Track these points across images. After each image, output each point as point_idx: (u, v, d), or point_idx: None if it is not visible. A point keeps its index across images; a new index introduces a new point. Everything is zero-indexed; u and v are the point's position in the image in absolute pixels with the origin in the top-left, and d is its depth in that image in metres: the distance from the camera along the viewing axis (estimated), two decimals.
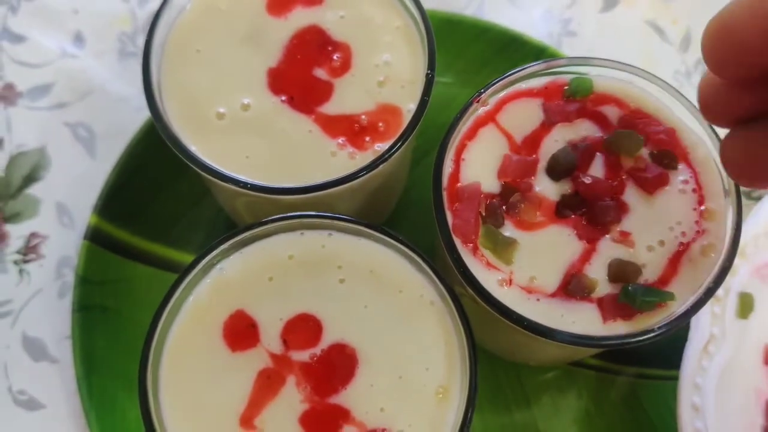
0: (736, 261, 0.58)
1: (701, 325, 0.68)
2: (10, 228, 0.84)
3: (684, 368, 0.67)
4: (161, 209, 0.80)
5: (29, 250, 0.83)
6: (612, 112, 0.63)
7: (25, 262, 0.82)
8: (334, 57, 0.64)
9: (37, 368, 0.78)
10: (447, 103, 0.83)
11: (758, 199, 0.90)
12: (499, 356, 0.76)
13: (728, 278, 0.67)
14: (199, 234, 0.81)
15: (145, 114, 0.83)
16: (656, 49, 0.95)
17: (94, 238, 0.76)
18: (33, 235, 0.83)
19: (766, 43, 0.39)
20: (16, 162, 0.86)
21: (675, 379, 0.69)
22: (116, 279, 0.77)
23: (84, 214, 0.83)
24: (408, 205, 0.82)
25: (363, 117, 0.62)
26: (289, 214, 0.57)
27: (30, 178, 0.86)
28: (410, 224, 0.81)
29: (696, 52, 0.94)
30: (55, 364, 0.78)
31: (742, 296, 0.70)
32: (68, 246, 0.83)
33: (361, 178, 0.59)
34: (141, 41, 0.92)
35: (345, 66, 0.64)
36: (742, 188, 0.59)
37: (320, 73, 0.64)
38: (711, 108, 0.47)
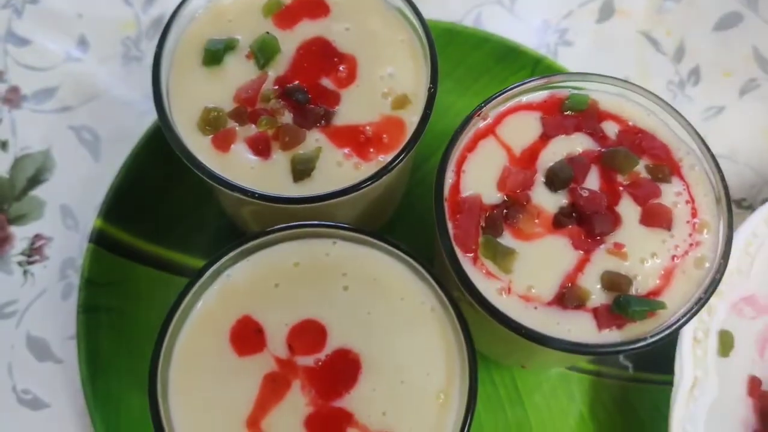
0: (713, 300, 0.59)
1: (685, 370, 0.69)
2: (14, 230, 0.85)
3: (672, 416, 0.68)
4: (165, 212, 0.82)
5: (33, 251, 0.84)
6: (609, 127, 0.64)
7: (30, 263, 0.83)
8: (340, 68, 0.65)
9: (41, 368, 0.79)
10: (445, 111, 0.85)
11: (748, 208, 0.92)
12: (494, 359, 0.78)
13: (707, 318, 0.70)
14: (201, 236, 0.83)
15: (148, 118, 0.84)
16: (650, 60, 0.97)
17: (99, 240, 0.78)
18: (37, 236, 0.84)
19: None
20: (20, 164, 0.87)
21: (666, 383, 0.71)
22: (120, 281, 0.78)
23: (88, 217, 0.84)
24: (406, 209, 0.84)
25: (368, 128, 0.63)
26: (295, 224, 0.59)
27: (34, 180, 0.87)
28: (408, 228, 0.83)
29: (689, 62, 0.97)
30: (59, 364, 0.79)
31: (721, 334, 0.72)
32: (72, 248, 0.84)
33: (365, 188, 0.60)
34: (144, 46, 0.94)
35: (351, 77, 0.65)
36: (732, 198, 0.61)
37: (327, 83, 0.65)
38: None
